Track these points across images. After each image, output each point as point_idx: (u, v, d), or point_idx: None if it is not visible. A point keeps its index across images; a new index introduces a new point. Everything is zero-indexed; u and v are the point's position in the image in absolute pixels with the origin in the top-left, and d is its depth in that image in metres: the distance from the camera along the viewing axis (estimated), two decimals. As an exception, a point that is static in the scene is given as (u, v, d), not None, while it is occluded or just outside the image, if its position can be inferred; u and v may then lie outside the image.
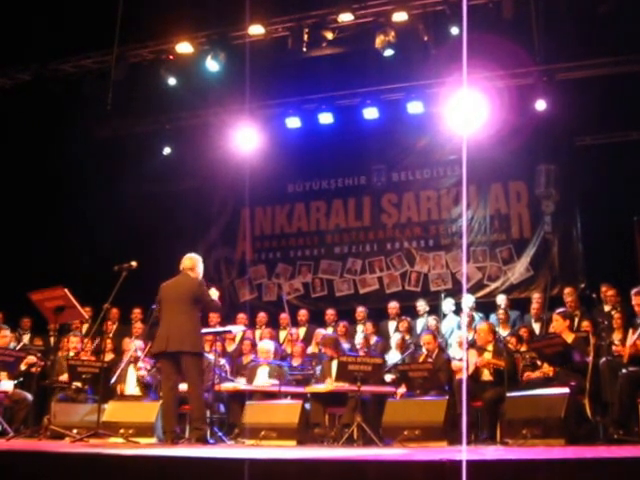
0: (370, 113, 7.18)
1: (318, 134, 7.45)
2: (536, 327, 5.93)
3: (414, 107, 7.02)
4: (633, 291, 4.63)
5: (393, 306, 6.65)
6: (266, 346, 5.83)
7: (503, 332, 5.90)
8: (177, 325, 4.28)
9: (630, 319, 4.94)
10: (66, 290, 4.53)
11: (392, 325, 6.54)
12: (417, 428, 4.41)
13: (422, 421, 4.48)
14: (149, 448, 4.00)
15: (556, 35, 6.07)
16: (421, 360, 5.36)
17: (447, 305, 6.48)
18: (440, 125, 6.94)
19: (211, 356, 5.39)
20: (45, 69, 7.07)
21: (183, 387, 4.51)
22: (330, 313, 6.75)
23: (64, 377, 5.59)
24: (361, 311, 6.69)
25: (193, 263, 4.51)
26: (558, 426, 3.95)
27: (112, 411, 5.00)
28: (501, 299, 6.39)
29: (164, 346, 4.29)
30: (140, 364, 5.64)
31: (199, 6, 6.36)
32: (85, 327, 6.70)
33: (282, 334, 6.70)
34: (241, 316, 6.75)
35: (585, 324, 5.32)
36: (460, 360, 5.21)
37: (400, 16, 6.11)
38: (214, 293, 4.54)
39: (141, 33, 6.65)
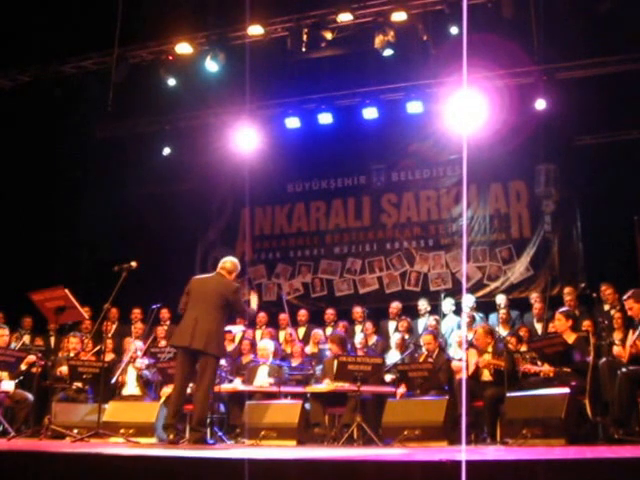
0: (369, 113, 7.18)
1: (318, 134, 7.45)
2: (538, 327, 5.93)
3: (414, 107, 7.02)
4: (624, 297, 4.61)
5: (394, 306, 6.65)
6: (266, 346, 5.84)
7: (503, 332, 5.90)
8: (204, 324, 4.22)
9: (630, 319, 4.94)
10: (66, 290, 4.54)
11: (392, 325, 6.54)
12: (417, 428, 4.41)
13: (422, 421, 4.48)
14: (149, 448, 4.00)
15: (556, 34, 6.07)
16: (421, 360, 5.36)
17: (447, 305, 6.48)
18: (440, 125, 6.94)
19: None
20: (45, 70, 7.07)
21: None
22: (330, 313, 6.76)
23: (63, 369, 5.58)
24: (359, 311, 6.69)
25: (233, 267, 4.50)
26: (558, 426, 3.95)
27: (112, 411, 5.01)
28: (501, 299, 6.39)
29: (188, 341, 4.21)
30: (139, 360, 5.64)
31: (198, 7, 6.37)
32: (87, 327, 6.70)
33: (282, 334, 6.70)
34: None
35: (586, 323, 5.32)
36: (460, 360, 5.21)
37: (399, 16, 6.11)
38: (254, 300, 4.56)
39: (141, 34, 6.66)
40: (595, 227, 6.57)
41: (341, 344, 5.42)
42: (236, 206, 8.02)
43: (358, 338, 5.99)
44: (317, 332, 6.39)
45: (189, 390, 4.52)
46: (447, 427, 4.38)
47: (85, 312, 5.18)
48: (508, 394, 4.43)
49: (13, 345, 5.98)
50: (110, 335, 6.43)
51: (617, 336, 5.00)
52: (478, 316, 6.32)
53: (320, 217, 7.87)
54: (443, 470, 2.14)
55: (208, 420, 4.92)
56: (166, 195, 7.96)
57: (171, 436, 4.19)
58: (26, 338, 6.83)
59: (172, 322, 6.50)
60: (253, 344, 6.18)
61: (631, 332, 4.57)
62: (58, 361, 5.74)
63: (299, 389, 5.46)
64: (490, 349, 5.06)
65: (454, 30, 5.98)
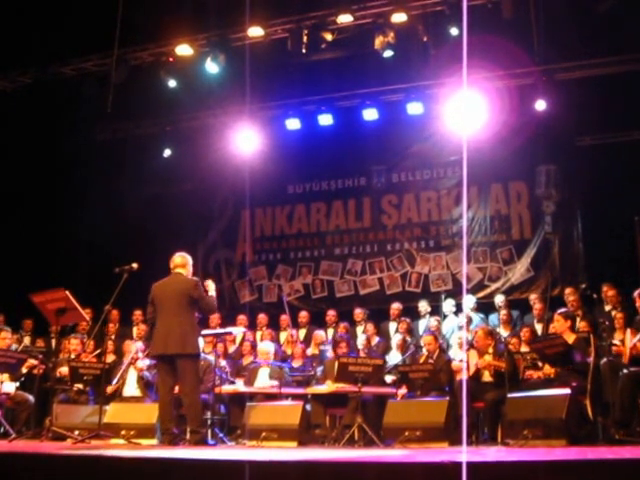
0: (370, 114, 7.19)
1: (318, 135, 7.45)
2: (538, 328, 5.93)
3: (414, 108, 7.02)
4: (636, 293, 4.63)
5: (394, 307, 6.64)
6: (266, 347, 5.84)
7: (504, 333, 5.89)
8: (175, 327, 4.24)
9: (631, 319, 4.94)
10: (67, 292, 4.54)
11: (393, 326, 6.54)
12: (418, 429, 4.41)
13: (423, 422, 4.48)
14: (150, 449, 4.00)
15: (556, 35, 6.08)
16: (422, 361, 5.36)
17: (447, 306, 6.48)
18: (440, 126, 6.94)
19: (212, 357, 5.39)
20: (45, 72, 7.08)
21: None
22: (331, 314, 6.76)
23: (63, 370, 5.58)
24: (359, 312, 6.69)
25: (184, 260, 4.47)
26: (559, 427, 3.94)
27: (113, 412, 5.01)
28: (500, 299, 6.39)
29: (162, 349, 4.26)
30: (139, 361, 5.64)
31: (198, 8, 6.38)
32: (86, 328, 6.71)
33: (282, 335, 6.70)
34: (241, 317, 6.76)
35: (582, 325, 5.32)
36: (461, 361, 5.21)
37: (399, 17, 6.12)
38: (211, 287, 4.46)
39: (141, 36, 6.67)
40: (596, 228, 6.57)
41: (348, 343, 5.50)
42: (236, 207, 8.02)
43: (360, 340, 5.99)
44: (318, 333, 6.39)
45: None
46: (448, 428, 4.38)
47: (86, 314, 5.18)
48: (509, 395, 4.43)
49: (14, 347, 5.98)
50: (111, 337, 6.43)
51: (618, 336, 5.00)
52: (479, 317, 6.31)
53: (320, 218, 7.87)
54: (444, 471, 2.14)
55: (209, 421, 4.93)
56: (167, 196, 7.97)
57: (166, 442, 4.21)
58: (27, 340, 6.83)
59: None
60: (254, 346, 6.18)
61: (629, 331, 4.57)
62: (59, 362, 5.75)
63: (300, 390, 5.46)
64: (491, 350, 5.06)
65: (454, 31, 5.98)
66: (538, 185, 7.05)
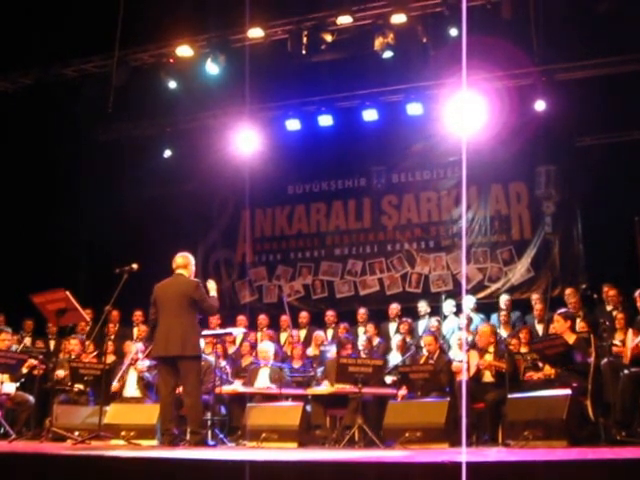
0: (369, 115, 7.20)
1: (318, 136, 7.46)
2: (539, 328, 5.92)
3: (413, 109, 7.03)
4: (637, 293, 4.63)
5: (394, 307, 6.65)
6: (266, 348, 5.84)
7: (504, 333, 5.89)
8: (176, 328, 4.23)
9: (632, 319, 4.93)
10: (67, 292, 4.54)
11: (393, 326, 6.54)
12: (418, 430, 4.41)
13: (423, 423, 4.48)
14: (151, 450, 4.01)
15: (555, 35, 6.08)
16: (422, 362, 5.35)
17: (448, 306, 6.48)
18: (440, 126, 6.94)
19: (212, 358, 5.39)
20: (46, 73, 7.10)
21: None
22: (330, 314, 6.76)
23: (60, 373, 5.58)
24: (362, 313, 6.69)
25: (186, 261, 4.45)
26: (560, 427, 3.94)
27: (114, 413, 5.01)
28: (503, 300, 6.39)
29: (163, 350, 4.26)
30: (140, 363, 5.64)
31: (199, 10, 6.39)
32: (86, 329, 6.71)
33: (283, 336, 6.70)
34: (241, 318, 6.75)
35: (581, 325, 5.32)
36: (461, 362, 5.21)
37: (399, 18, 6.13)
38: (212, 287, 4.43)
39: (141, 37, 6.68)
40: (595, 228, 6.56)
41: (353, 345, 5.55)
42: (236, 208, 8.02)
43: (361, 340, 6.00)
44: (319, 334, 6.39)
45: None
46: (448, 429, 4.38)
47: (87, 314, 5.18)
48: (509, 396, 4.43)
49: (14, 347, 5.98)
50: (111, 337, 6.43)
51: (619, 337, 5.00)
52: (479, 317, 6.31)
53: (320, 219, 7.88)
54: (444, 472, 2.14)
55: (209, 422, 4.93)
56: (167, 197, 7.97)
57: (166, 442, 4.22)
58: (27, 340, 6.83)
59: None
60: (253, 346, 6.18)
61: (631, 332, 4.57)
62: (59, 363, 5.75)
63: (300, 391, 5.46)
64: (492, 349, 5.06)
65: (453, 32, 5.99)
66: (538, 185, 7.05)
